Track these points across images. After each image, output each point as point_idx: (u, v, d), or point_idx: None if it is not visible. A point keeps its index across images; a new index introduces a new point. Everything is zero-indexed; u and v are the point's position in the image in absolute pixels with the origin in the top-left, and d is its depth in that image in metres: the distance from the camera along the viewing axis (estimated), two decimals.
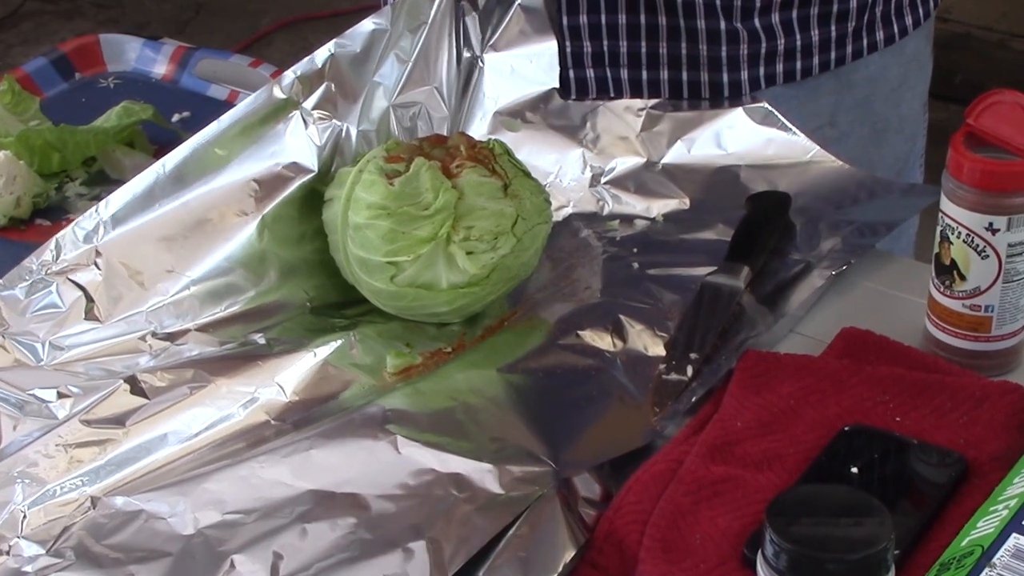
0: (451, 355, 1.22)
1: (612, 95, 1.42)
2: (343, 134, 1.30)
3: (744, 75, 1.40)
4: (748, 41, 1.39)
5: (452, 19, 1.41)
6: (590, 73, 1.42)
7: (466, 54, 1.42)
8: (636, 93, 1.42)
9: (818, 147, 1.36)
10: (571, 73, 1.42)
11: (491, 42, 1.44)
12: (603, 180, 1.39)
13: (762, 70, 1.40)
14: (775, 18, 1.38)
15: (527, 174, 1.26)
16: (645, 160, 1.39)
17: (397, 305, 1.23)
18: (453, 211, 1.19)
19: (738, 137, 1.38)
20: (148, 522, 1.06)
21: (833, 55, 1.42)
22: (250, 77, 1.72)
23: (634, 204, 1.36)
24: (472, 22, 1.43)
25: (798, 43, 1.40)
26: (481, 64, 1.43)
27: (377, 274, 1.21)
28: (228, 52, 1.82)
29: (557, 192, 1.37)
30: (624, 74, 1.41)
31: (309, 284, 1.28)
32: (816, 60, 1.41)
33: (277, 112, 1.27)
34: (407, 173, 1.20)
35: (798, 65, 1.41)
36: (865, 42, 1.43)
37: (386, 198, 1.20)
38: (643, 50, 1.40)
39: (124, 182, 1.27)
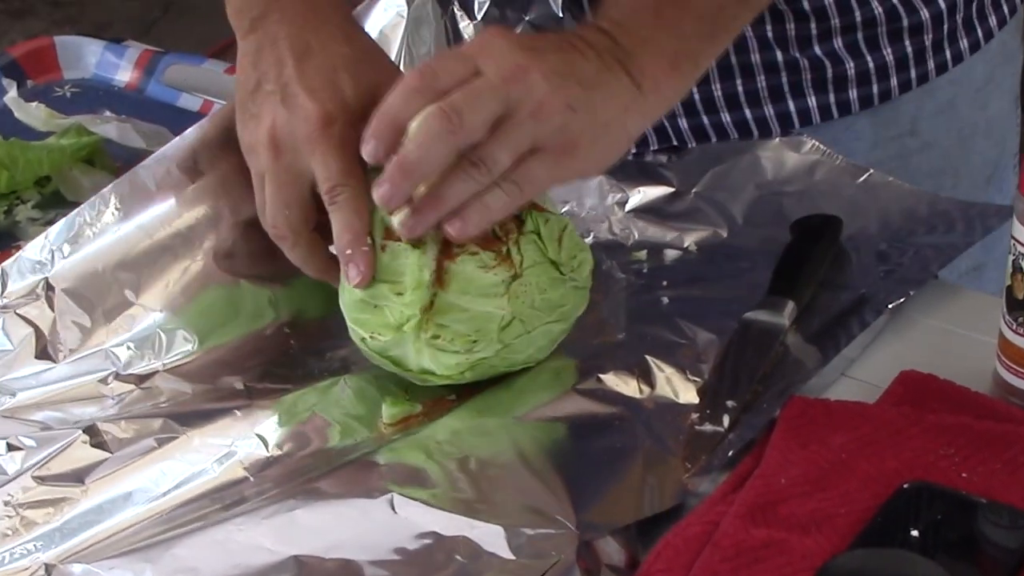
0: (455, 403, 1.22)
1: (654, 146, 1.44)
2: None
3: (789, 107, 1.42)
4: (811, 69, 1.41)
5: (444, 25, 1.42)
6: None
7: None
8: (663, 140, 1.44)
9: (872, 169, 1.37)
10: None
11: None
12: (628, 208, 1.39)
13: (832, 97, 1.41)
14: (837, 43, 1.40)
15: (556, 264, 1.20)
16: (675, 188, 1.40)
17: (376, 366, 1.23)
18: (425, 311, 1.16)
19: (780, 165, 1.39)
20: None
21: (914, 73, 1.43)
22: (226, 85, 1.72)
23: (664, 233, 1.36)
24: (472, 32, 1.44)
25: (870, 65, 1.42)
26: None
27: (348, 331, 1.21)
28: (201, 57, 1.83)
29: (576, 222, 1.37)
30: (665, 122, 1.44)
31: (293, 323, 1.29)
32: (895, 81, 1.42)
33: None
34: (400, 243, 1.16)
35: (874, 90, 1.42)
36: (948, 54, 1.45)
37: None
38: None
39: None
